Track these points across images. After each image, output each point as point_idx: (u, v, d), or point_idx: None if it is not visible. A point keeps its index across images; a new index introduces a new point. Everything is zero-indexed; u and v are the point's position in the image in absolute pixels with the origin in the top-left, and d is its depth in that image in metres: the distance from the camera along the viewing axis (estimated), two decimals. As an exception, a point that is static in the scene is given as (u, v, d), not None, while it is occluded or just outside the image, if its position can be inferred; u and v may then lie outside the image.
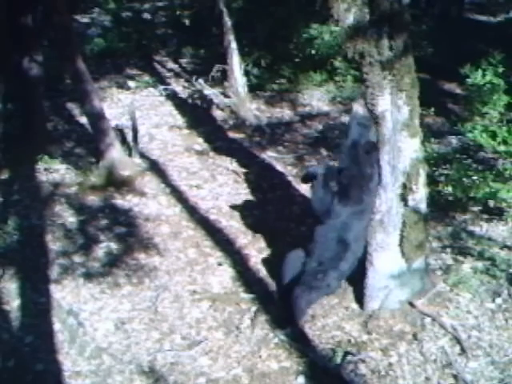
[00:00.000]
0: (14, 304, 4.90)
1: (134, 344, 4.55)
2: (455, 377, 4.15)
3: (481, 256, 5.22)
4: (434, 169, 6.04)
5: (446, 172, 6.07)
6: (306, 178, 4.76)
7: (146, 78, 9.60)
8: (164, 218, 6.07)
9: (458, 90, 8.34)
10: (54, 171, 6.81)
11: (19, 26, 6.63)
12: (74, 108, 8.29)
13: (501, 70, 5.98)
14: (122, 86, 9.27)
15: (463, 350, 4.33)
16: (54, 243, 5.64)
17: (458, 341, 4.41)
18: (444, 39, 9.30)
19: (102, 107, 6.77)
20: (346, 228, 4.56)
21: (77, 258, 5.46)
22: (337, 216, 4.52)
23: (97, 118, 6.62)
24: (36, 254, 5.49)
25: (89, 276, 5.24)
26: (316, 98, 8.91)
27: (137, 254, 5.51)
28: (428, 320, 4.60)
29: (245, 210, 6.16)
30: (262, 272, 5.28)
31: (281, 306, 4.80)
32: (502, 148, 5.72)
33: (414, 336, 4.48)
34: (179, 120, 8.28)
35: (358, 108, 4.44)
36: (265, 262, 5.40)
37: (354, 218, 4.55)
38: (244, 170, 6.95)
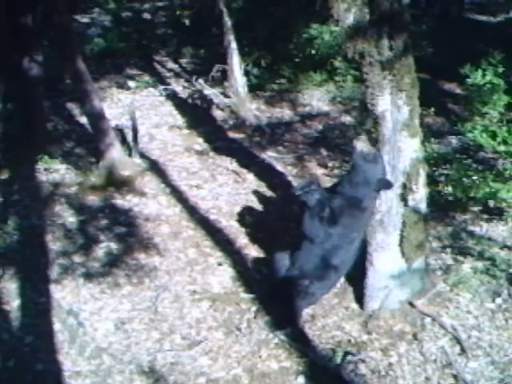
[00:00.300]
0: (14, 304, 4.90)
1: (134, 344, 4.55)
2: (455, 377, 4.15)
3: (481, 256, 5.22)
4: (434, 169, 6.04)
5: (446, 172, 6.07)
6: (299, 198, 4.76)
7: (146, 77, 9.60)
8: (164, 217, 6.07)
9: (458, 90, 8.33)
10: (54, 171, 6.81)
11: (19, 26, 6.63)
12: (74, 108, 8.29)
13: (501, 69, 5.97)
14: (122, 86, 9.26)
15: (463, 350, 4.33)
16: (54, 243, 5.64)
17: (458, 341, 4.41)
18: (444, 39, 9.30)
19: (102, 107, 6.76)
20: (334, 250, 4.55)
21: (77, 258, 5.46)
22: (326, 237, 4.53)
23: (97, 117, 6.61)
24: (36, 254, 5.49)
25: (89, 276, 5.24)
26: (316, 97, 8.90)
27: (137, 254, 5.51)
28: (428, 320, 4.61)
29: (245, 210, 6.16)
30: (262, 272, 5.28)
31: (278, 306, 4.81)
32: (502, 148, 5.71)
33: (414, 336, 4.49)
34: (179, 120, 8.27)
35: (361, 145, 4.43)
36: (265, 262, 5.40)
37: (345, 244, 4.55)
38: (244, 170, 6.95)
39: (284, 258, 4.81)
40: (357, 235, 4.58)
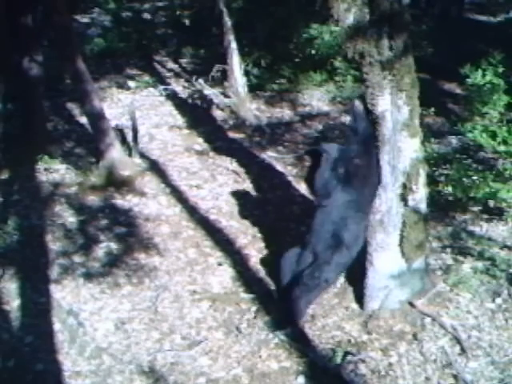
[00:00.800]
0: (14, 304, 4.90)
1: (134, 344, 4.55)
2: (455, 377, 4.15)
3: (481, 256, 5.21)
4: (434, 169, 6.04)
5: (446, 172, 6.07)
6: (313, 153, 4.69)
7: (146, 78, 9.60)
8: (164, 217, 6.07)
9: (458, 90, 8.34)
10: (54, 171, 6.81)
11: (19, 26, 6.63)
12: (74, 108, 8.29)
13: (501, 69, 5.98)
14: (122, 86, 9.26)
15: (463, 350, 4.33)
16: (54, 243, 5.64)
17: (458, 341, 4.41)
18: (444, 39, 9.30)
19: (102, 107, 6.77)
20: (342, 224, 4.51)
21: (77, 258, 5.46)
22: (335, 200, 4.48)
23: (97, 117, 6.61)
24: (36, 254, 5.49)
25: (89, 276, 5.24)
26: (316, 98, 8.90)
27: (137, 254, 5.51)
28: (428, 320, 4.60)
29: (245, 210, 6.16)
30: (262, 272, 5.28)
31: (281, 306, 4.80)
32: (502, 148, 5.72)
33: (414, 336, 4.48)
34: (179, 120, 8.27)
35: (359, 103, 4.43)
36: (265, 261, 5.40)
37: (353, 214, 4.52)
38: (244, 170, 6.95)
39: (295, 254, 4.76)
40: (363, 206, 4.49)
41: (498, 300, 4.78)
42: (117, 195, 6.41)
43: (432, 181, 5.51)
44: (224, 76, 8.68)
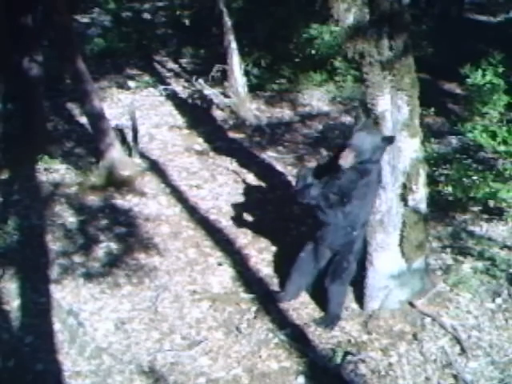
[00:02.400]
0: (14, 304, 4.89)
1: (134, 344, 4.55)
2: (455, 377, 4.15)
3: (481, 256, 5.22)
4: (434, 169, 6.04)
5: (446, 172, 6.07)
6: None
7: (146, 78, 9.60)
8: (164, 217, 6.07)
9: (458, 90, 8.35)
10: (54, 171, 6.81)
11: (19, 26, 6.63)
12: (74, 108, 8.29)
13: (501, 69, 5.99)
14: (122, 86, 9.26)
15: (463, 350, 4.33)
16: (54, 243, 5.63)
17: (458, 341, 4.41)
18: (444, 39, 9.30)
19: (102, 107, 6.76)
20: (354, 218, 4.49)
21: (77, 258, 5.45)
22: (347, 214, 4.45)
23: (97, 117, 6.61)
24: (36, 254, 5.48)
25: (89, 276, 5.23)
26: (316, 98, 8.91)
27: (137, 254, 5.51)
28: (428, 320, 4.61)
29: (245, 210, 6.16)
30: (262, 272, 5.29)
31: (283, 305, 4.81)
32: (502, 148, 5.72)
33: (414, 336, 4.49)
34: (179, 120, 8.27)
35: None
36: (265, 261, 5.40)
37: (360, 208, 4.48)
38: (244, 170, 6.95)
39: (310, 253, 4.73)
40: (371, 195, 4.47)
41: (498, 300, 4.79)
42: (117, 195, 6.41)
43: (432, 181, 5.52)
44: (224, 76, 8.68)
